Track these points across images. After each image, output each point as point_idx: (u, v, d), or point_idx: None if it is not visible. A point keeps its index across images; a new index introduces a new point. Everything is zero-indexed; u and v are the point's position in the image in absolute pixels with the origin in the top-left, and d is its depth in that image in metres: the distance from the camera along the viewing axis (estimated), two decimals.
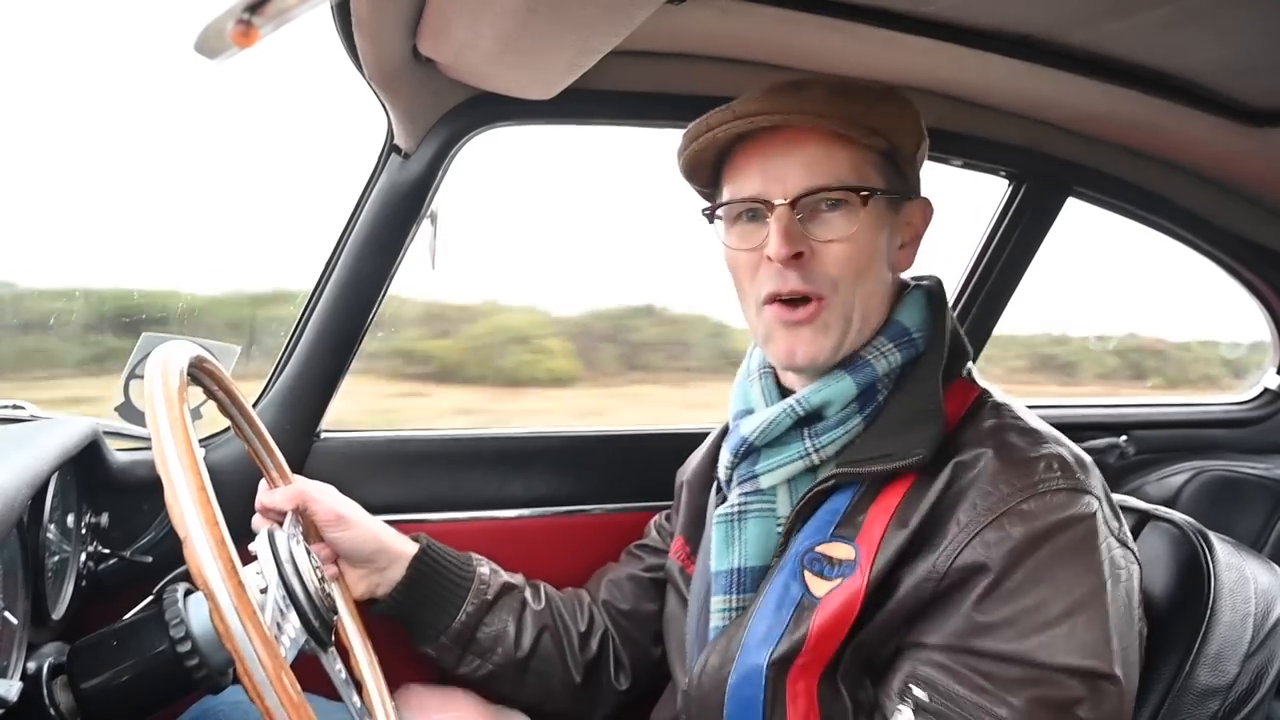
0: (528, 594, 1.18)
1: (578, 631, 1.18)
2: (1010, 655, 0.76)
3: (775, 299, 0.91)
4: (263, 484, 1.06)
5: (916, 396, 0.90)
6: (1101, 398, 3.26)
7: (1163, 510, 1.05)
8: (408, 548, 1.12)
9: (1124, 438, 1.78)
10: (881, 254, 0.93)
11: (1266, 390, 1.99)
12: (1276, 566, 1.02)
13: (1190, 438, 1.89)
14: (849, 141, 0.89)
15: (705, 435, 1.22)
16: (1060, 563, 0.78)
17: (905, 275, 1.02)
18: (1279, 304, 1.85)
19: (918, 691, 0.79)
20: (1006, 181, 1.56)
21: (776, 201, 0.89)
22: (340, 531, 1.07)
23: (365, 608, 1.11)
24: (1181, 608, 0.93)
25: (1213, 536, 1.00)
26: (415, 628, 1.13)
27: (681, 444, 1.28)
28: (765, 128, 0.89)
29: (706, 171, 0.98)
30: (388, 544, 1.11)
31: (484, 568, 1.17)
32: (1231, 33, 1.04)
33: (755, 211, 0.92)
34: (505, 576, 1.18)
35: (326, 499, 1.07)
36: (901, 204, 0.94)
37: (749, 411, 0.99)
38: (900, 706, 0.79)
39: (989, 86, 1.32)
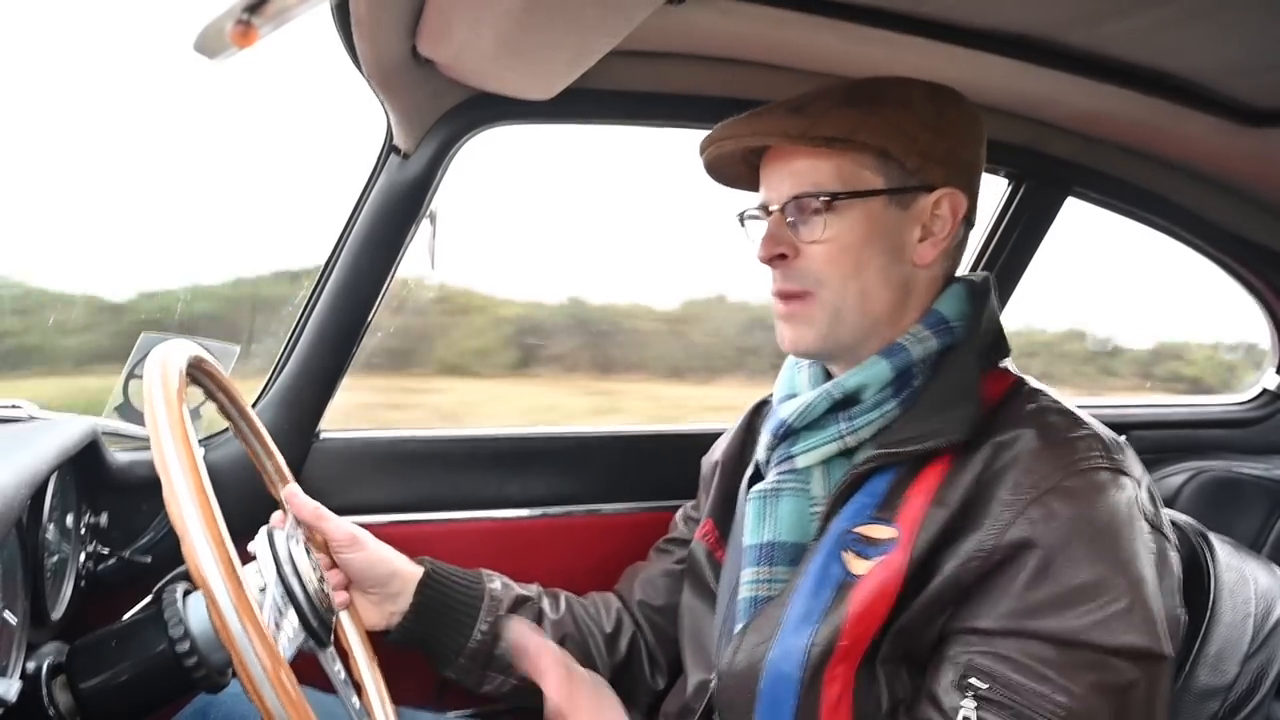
0: (544, 604, 1.16)
1: (603, 635, 1.16)
2: (1067, 637, 0.76)
3: (774, 295, 0.99)
4: (286, 490, 1.02)
5: (952, 380, 0.92)
6: (1101, 397, 3.26)
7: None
8: (416, 571, 1.10)
9: (1123, 438, 1.78)
10: (881, 250, 0.94)
11: (1266, 390, 1.99)
12: (1276, 567, 1.03)
13: (1189, 438, 1.89)
14: (831, 150, 0.92)
15: (706, 434, 1.22)
16: (1108, 541, 0.79)
17: (960, 272, 1.03)
18: (1278, 304, 1.85)
19: (977, 683, 0.78)
20: (1006, 181, 1.57)
21: (772, 208, 0.97)
22: (354, 553, 1.04)
23: (379, 638, 1.08)
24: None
25: (1213, 537, 1.00)
26: (431, 652, 1.11)
27: (685, 443, 1.29)
28: (766, 145, 0.98)
29: (745, 183, 1.06)
30: (399, 568, 1.09)
31: (495, 584, 1.15)
32: (1231, 33, 1.05)
33: (764, 218, 1.00)
34: (518, 589, 1.16)
35: (340, 519, 1.04)
36: (912, 199, 0.94)
37: (792, 396, 1.03)
38: (963, 702, 0.78)
39: (988, 86, 1.31)
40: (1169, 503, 1.61)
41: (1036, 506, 0.79)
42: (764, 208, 0.99)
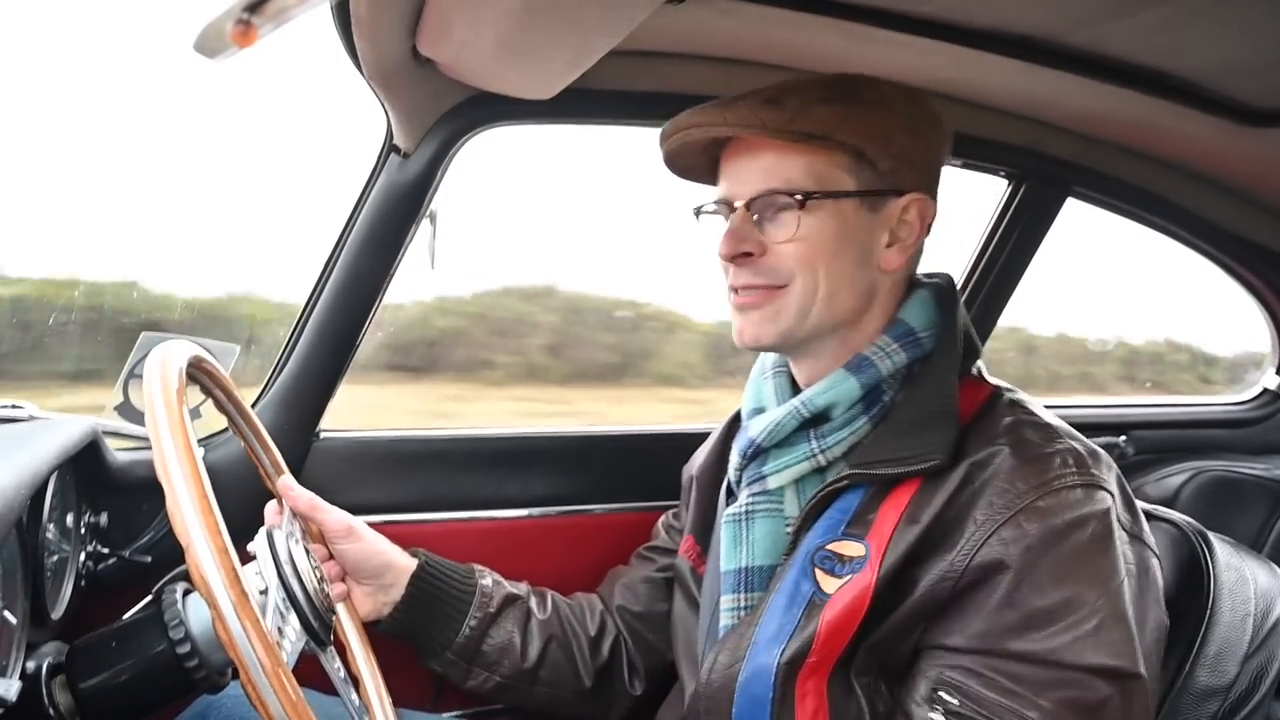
0: (533, 603, 1.17)
1: (587, 637, 1.17)
2: (1038, 656, 0.76)
3: (735, 291, 0.96)
4: (281, 481, 1.03)
5: (929, 398, 0.90)
6: (1101, 397, 3.25)
7: (1162, 510, 1.05)
8: (409, 564, 1.11)
9: (1123, 438, 1.79)
10: (850, 253, 0.92)
11: (1266, 390, 1.99)
12: (1276, 567, 1.02)
13: (1189, 438, 1.89)
14: (806, 146, 0.90)
15: (705, 434, 1.22)
16: (1080, 561, 0.78)
17: (918, 273, 1.01)
18: (1278, 304, 1.85)
19: (946, 697, 0.78)
20: (1006, 181, 1.56)
21: (736, 204, 0.94)
22: (350, 544, 1.05)
23: (369, 627, 1.09)
24: (1181, 608, 0.93)
25: (1212, 537, 1.00)
26: (420, 645, 1.12)
27: (681, 443, 1.28)
28: (727, 137, 0.95)
29: (703, 175, 1.02)
30: (394, 559, 1.09)
31: (486, 580, 1.15)
32: (1231, 33, 1.04)
33: (724, 213, 0.97)
34: (509, 587, 1.17)
35: (336, 510, 1.05)
36: (883, 202, 0.93)
37: (761, 410, 1.01)
38: (931, 715, 0.78)
39: (989, 86, 1.32)
40: (1169, 503, 1.61)
41: (1009, 527, 0.79)
42: (726, 203, 0.95)
